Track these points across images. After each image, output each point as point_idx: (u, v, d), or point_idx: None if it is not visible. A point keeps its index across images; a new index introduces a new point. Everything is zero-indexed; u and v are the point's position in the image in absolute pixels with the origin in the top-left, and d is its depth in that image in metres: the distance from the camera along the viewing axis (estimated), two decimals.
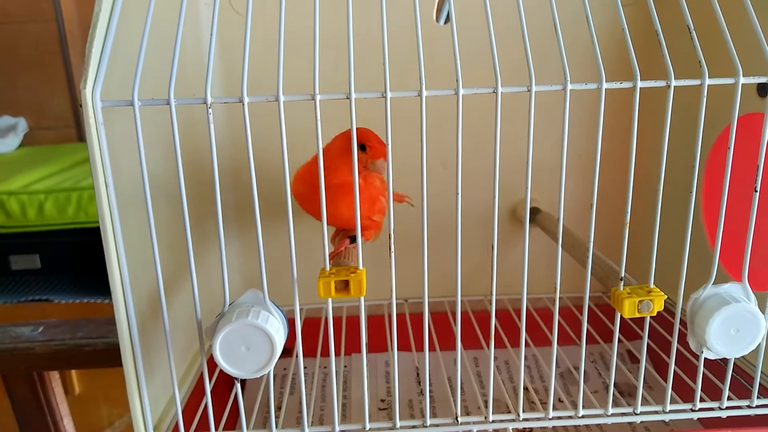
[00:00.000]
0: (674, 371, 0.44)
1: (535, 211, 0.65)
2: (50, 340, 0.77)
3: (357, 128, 0.48)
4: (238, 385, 0.41)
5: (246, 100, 0.36)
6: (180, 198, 0.39)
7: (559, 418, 0.44)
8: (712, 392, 0.46)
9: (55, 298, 1.08)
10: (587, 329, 0.43)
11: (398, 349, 0.42)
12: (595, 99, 0.58)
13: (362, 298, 0.40)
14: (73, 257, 1.12)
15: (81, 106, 0.36)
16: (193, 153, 0.53)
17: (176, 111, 0.36)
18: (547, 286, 0.63)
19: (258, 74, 0.40)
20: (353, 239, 0.50)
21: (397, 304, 0.69)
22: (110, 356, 0.75)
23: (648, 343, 0.44)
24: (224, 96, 0.38)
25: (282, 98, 0.36)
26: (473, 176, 0.52)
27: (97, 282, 1.10)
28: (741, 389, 0.47)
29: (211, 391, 0.42)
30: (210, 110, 0.36)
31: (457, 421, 0.44)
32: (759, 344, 0.41)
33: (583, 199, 0.57)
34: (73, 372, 1.12)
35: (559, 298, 0.70)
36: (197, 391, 0.52)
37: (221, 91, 0.63)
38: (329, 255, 0.45)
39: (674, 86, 0.37)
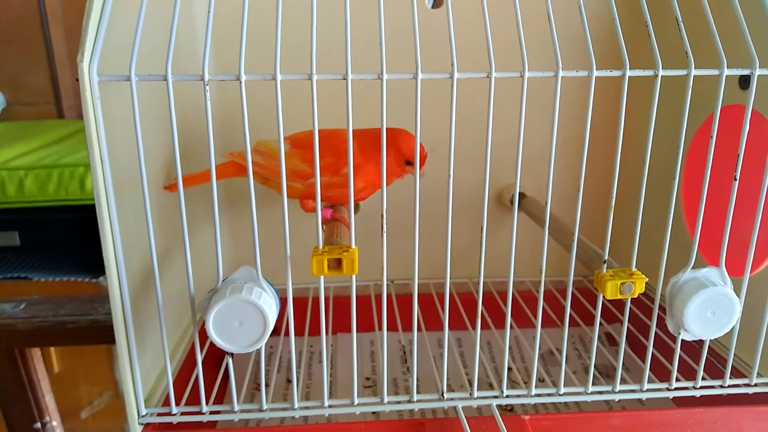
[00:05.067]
0: (651, 353, 0.45)
1: (520, 196, 0.67)
2: (33, 316, 0.76)
3: (404, 140, 0.48)
4: (230, 360, 0.42)
5: (243, 78, 0.36)
6: (171, 174, 0.39)
7: (541, 395, 0.45)
8: (686, 373, 0.47)
9: (33, 276, 1.07)
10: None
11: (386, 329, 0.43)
12: (581, 88, 0.59)
13: (354, 277, 0.41)
14: (53, 235, 1.11)
15: (78, 80, 0.36)
16: (182, 131, 0.53)
17: (163, 87, 0.36)
18: (530, 269, 0.65)
19: (251, 53, 0.40)
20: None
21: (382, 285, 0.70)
22: (94, 333, 0.75)
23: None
24: (218, 74, 0.38)
25: (279, 77, 0.36)
26: (460, 161, 0.53)
27: (77, 260, 1.09)
28: (713, 370, 0.49)
29: (201, 367, 0.42)
30: (207, 87, 0.36)
31: (443, 397, 0.45)
32: (733, 327, 0.43)
33: (568, 186, 0.58)
34: (53, 350, 1.11)
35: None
36: (185, 369, 0.52)
37: (213, 68, 0.63)
38: (323, 221, 0.47)
39: (661, 76, 0.38)
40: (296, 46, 0.46)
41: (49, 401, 0.86)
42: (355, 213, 0.44)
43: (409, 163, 0.50)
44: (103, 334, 0.75)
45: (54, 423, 0.89)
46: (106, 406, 1.14)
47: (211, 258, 0.42)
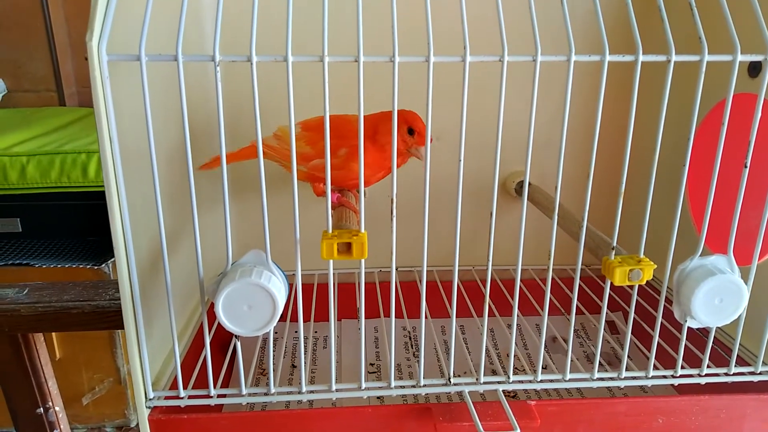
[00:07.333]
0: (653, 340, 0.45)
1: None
2: (36, 302, 0.76)
3: (407, 111, 0.49)
4: (239, 343, 0.42)
5: (255, 59, 0.36)
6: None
7: (547, 381, 0.45)
8: (689, 362, 0.47)
9: (35, 263, 1.07)
10: (570, 300, 0.45)
11: (389, 315, 0.43)
12: (588, 77, 0.58)
13: (363, 261, 0.41)
14: (55, 221, 1.11)
15: (86, 59, 0.35)
16: (188, 116, 0.53)
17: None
18: (533, 257, 0.64)
19: (259, 38, 0.39)
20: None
21: (387, 272, 0.70)
22: (97, 319, 0.75)
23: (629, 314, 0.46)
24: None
25: (291, 58, 0.36)
26: (464, 148, 0.52)
27: (79, 247, 1.09)
28: (716, 359, 0.49)
29: (209, 349, 0.42)
30: (218, 68, 0.36)
31: (450, 382, 0.45)
32: (740, 314, 0.43)
33: (573, 173, 0.58)
34: (55, 337, 1.12)
35: (544, 269, 0.72)
36: (191, 354, 0.52)
37: (220, 49, 0.63)
38: (332, 205, 0.47)
39: (673, 62, 0.38)
40: (306, 32, 0.45)
41: (51, 386, 0.86)
42: None
43: (411, 132, 0.50)
44: (106, 320, 0.75)
45: (57, 408, 0.89)
46: (107, 393, 1.14)
47: (216, 242, 0.42)
